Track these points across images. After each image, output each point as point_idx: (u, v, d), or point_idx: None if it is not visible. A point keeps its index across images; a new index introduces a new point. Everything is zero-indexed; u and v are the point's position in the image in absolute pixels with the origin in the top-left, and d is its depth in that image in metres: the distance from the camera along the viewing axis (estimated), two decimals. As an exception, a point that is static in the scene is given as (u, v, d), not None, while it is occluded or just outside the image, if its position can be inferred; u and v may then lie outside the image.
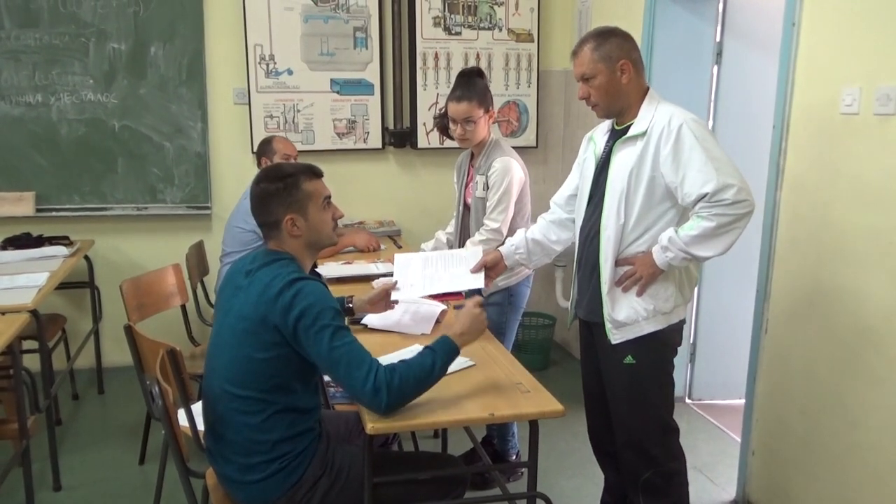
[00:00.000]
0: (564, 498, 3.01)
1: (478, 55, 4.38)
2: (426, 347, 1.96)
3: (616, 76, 2.19)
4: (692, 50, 3.61)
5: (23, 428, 2.70)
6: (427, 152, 4.46)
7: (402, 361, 1.91)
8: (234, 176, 4.17)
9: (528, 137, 4.53)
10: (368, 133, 4.36)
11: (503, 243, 2.88)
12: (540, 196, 4.63)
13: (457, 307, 2.18)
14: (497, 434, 3.14)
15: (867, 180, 2.31)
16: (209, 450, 2.06)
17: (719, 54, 3.63)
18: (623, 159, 2.21)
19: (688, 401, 3.96)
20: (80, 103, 4.02)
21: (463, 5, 4.32)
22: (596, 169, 2.34)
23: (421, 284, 2.50)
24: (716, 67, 3.65)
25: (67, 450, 3.35)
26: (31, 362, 3.11)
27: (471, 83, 2.86)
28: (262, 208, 2.00)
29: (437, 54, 4.33)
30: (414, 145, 4.41)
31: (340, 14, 4.20)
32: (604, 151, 2.33)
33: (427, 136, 4.38)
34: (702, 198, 2.07)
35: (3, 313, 2.70)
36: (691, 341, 3.75)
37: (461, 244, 3.04)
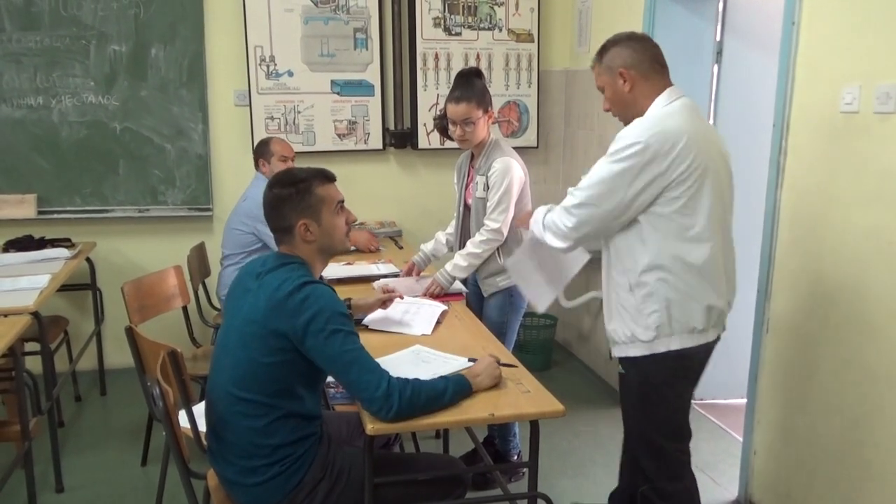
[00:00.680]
0: (565, 498, 3.01)
1: (478, 55, 4.38)
2: (440, 377, 1.98)
3: (619, 85, 2.14)
4: (692, 49, 3.61)
5: (25, 430, 2.70)
6: (428, 153, 4.46)
7: (415, 378, 1.92)
8: (235, 177, 4.17)
9: (529, 138, 4.53)
10: (369, 134, 4.36)
11: (504, 243, 2.88)
12: (540, 196, 4.63)
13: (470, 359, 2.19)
14: (498, 434, 3.14)
15: (867, 178, 2.31)
16: (211, 451, 2.06)
17: (719, 53, 3.63)
18: None
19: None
20: (81, 105, 4.03)
21: (463, 6, 4.32)
22: None
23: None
24: (716, 66, 3.65)
25: (69, 451, 3.36)
26: (34, 364, 3.12)
27: (469, 84, 2.85)
28: (275, 213, 1.99)
29: (437, 55, 4.33)
30: (414, 146, 4.41)
31: (340, 15, 4.21)
32: None
33: (428, 137, 4.39)
34: None
35: (5, 315, 2.70)
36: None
37: (461, 245, 3.04)
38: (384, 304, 2.62)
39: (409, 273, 3.17)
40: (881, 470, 2.30)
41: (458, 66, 4.33)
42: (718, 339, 2.21)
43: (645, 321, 2.10)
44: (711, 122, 3.63)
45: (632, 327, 2.13)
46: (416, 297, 2.85)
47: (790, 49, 2.60)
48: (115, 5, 3.96)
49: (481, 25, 4.36)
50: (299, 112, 4.25)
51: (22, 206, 4.02)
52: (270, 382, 1.91)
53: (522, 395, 2.03)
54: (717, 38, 3.62)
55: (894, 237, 2.22)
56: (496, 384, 2.06)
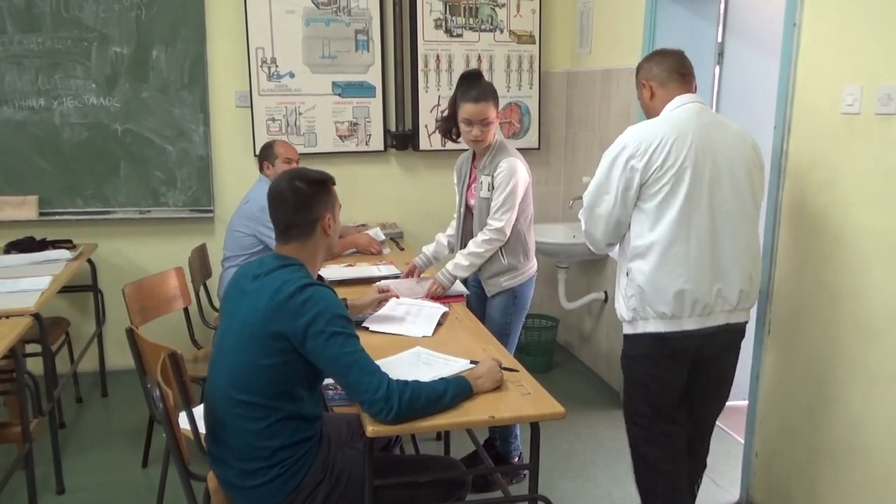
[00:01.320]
0: (566, 500, 3.01)
1: (479, 57, 4.38)
2: (441, 378, 1.98)
3: (644, 95, 2.46)
4: (693, 50, 3.57)
5: (26, 431, 2.71)
6: (429, 154, 4.46)
7: (415, 380, 1.93)
8: (237, 179, 4.17)
9: (531, 139, 4.53)
10: (370, 135, 4.36)
11: (506, 243, 2.88)
12: (541, 198, 4.64)
13: (472, 362, 2.20)
14: (499, 436, 3.13)
15: (869, 180, 2.30)
16: (210, 453, 2.06)
17: (721, 54, 3.63)
18: None
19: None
20: (82, 107, 4.04)
21: (464, 7, 4.32)
22: None
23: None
24: (717, 68, 3.64)
25: (70, 453, 3.36)
26: (35, 366, 3.12)
27: (483, 84, 2.85)
28: (304, 206, 2.00)
29: (438, 56, 4.33)
30: (416, 147, 4.41)
31: (342, 17, 4.21)
32: None
33: (429, 139, 4.39)
34: None
35: (7, 317, 2.70)
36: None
37: (462, 246, 3.04)
38: (380, 303, 2.64)
39: (409, 275, 3.17)
40: (883, 472, 2.29)
41: (459, 67, 4.33)
42: (713, 333, 2.34)
43: (626, 303, 2.38)
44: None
45: (621, 308, 2.42)
46: (417, 298, 2.85)
47: (791, 50, 2.60)
48: (116, 7, 3.97)
49: (482, 27, 4.36)
50: (300, 113, 4.25)
51: (23, 208, 4.03)
52: (270, 384, 1.91)
53: (523, 397, 2.03)
54: (719, 40, 3.62)
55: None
56: (497, 387, 2.06)
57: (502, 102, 4.41)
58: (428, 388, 1.91)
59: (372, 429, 1.84)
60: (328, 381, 2.67)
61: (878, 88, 2.24)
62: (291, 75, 4.20)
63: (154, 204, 4.19)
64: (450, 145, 4.35)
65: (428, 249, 3.21)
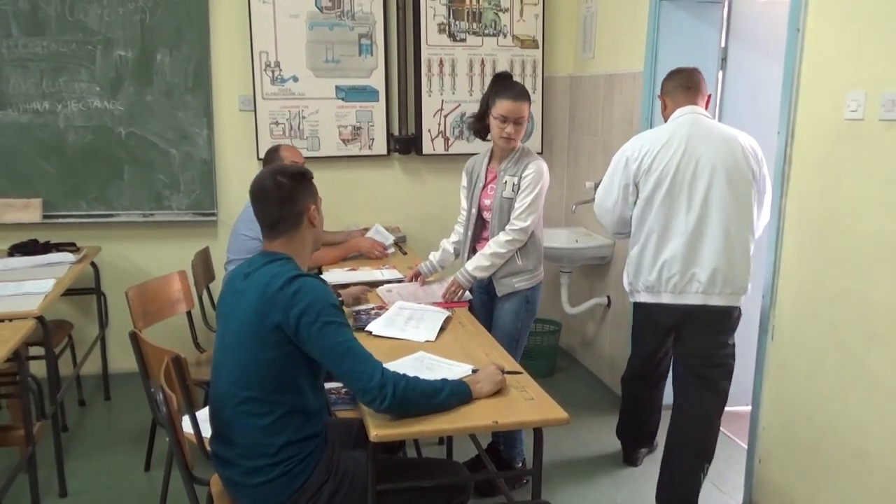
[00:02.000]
0: (570, 505, 3.00)
1: (482, 62, 4.38)
2: (440, 378, 2.01)
3: (662, 108, 2.93)
4: (697, 55, 3.60)
5: (29, 434, 2.71)
6: (432, 158, 4.46)
7: (414, 375, 1.96)
8: (240, 182, 4.17)
9: (534, 143, 4.52)
10: (373, 139, 4.37)
11: (525, 244, 2.89)
12: (545, 202, 4.63)
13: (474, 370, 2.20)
14: (503, 441, 3.12)
15: (873, 186, 2.30)
16: (215, 454, 2.06)
17: (724, 60, 3.63)
18: None
19: (694, 407, 3.95)
20: (86, 110, 4.04)
21: (468, 12, 4.32)
22: None
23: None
24: (720, 73, 3.64)
25: (73, 456, 3.36)
26: (38, 369, 3.12)
27: (518, 84, 2.91)
28: (290, 199, 2.03)
29: (441, 61, 4.34)
30: (419, 151, 4.41)
31: (345, 21, 4.21)
32: None
33: (432, 143, 4.39)
34: None
35: (10, 320, 2.71)
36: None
37: (471, 248, 3.04)
38: (362, 294, 2.91)
39: (412, 279, 3.17)
40: (886, 479, 2.29)
41: (462, 72, 4.34)
42: (691, 311, 2.75)
43: (626, 279, 2.95)
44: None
45: (624, 282, 2.97)
46: (420, 303, 2.85)
47: (795, 56, 2.60)
48: (121, 11, 3.98)
49: (486, 31, 4.37)
50: (304, 117, 4.26)
51: (27, 211, 4.04)
52: (273, 378, 1.93)
53: (526, 403, 2.03)
54: (722, 45, 3.62)
55: (900, 245, 2.21)
56: (498, 391, 2.06)
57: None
58: (424, 382, 1.94)
59: (376, 433, 1.84)
60: (330, 385, 2.68)
61: (882, 94, 2.24)
62: (295, 79, 4.21)
63: (157, 207, 4.20)
64: (452, 150, 4.39)
65: (434, 257, 3.21)
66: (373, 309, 2.79)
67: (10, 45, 3.92)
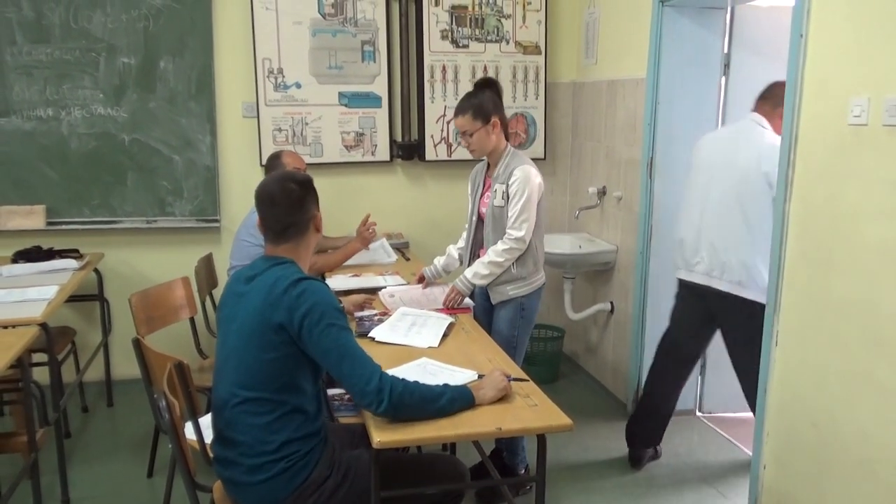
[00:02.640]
0: (574, 512, 2.99)
1: (485, 68, 4.39)
2: (442, 383, 2.02)
3: None
4: (700, 61, 3.61)
5: (32, 441, 2.70)
6: (435, 165, 4.47)
7: (414, 381, 1.97)
8: (243, 189, 4.19)
9: (536, 149, 4.53)
10: (376, 146, 4.37)
11: (525, 252, 2.88)
12: (548, 208, 4.63)
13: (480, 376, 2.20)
14: (506, 447, 3.12)
15: (876, 191, 2.30)
16: (217, 458, 2.06)
17: (727, 65, 3.63)
18: None
19: (699, 414, 3.94)
20: (90, 117, 4.06)
21: (470, 18, 4.33)
22: None
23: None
24: (723, 78, 3.64)
25: (76, 462, 3.36)
26: (41, 375, 3.13)
27: (472, 95, 2.90)
28: (299, 206, 2.07)
29: (444, 67, 4.34)
30: (422, 158, 4.42)
31: (348, 28, 4.23)
32: None
33: (435, 149, 4.39)
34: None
35: (13, 326, 2.71)
36: (701, 353, 3.72)
37: (471, 255, 3.04)
38: (364, 303, 2.89)
39: (419, 282, 3.17)
40: (891, 486, 2.28)
41: (465, 78, 4.34)
42: (706, 291, 3.09)
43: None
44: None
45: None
46: (423, 308, 2.85)
47: (798, 61, 2.59)
48: (124, 18, 3.99)
49: (488, 38, 4.37)
50: (307, 124, 4.27)
51: (31, 217, 4.04)
52: (275, 378, 1.94)
53: (530, 409, 2.02)
54: (725, 51, 3.62)
55: (904, 250, 2.20)
56: (502, 397, 2.05)
57: (508, 113, 4.41)
58: (424, 387, 1.95)
59: (379, 440, 1.84)
60: (334, 391, 2.67)
61: (885, 100, 2.24)
62: (298, 86, 4.21)
63: (161, 214, 4.20)
64: (455, 156, 4.39)
65: (439, 262, 3.21)
66: (376, 315, 2.79)
67: (14, 53, 3.94)
